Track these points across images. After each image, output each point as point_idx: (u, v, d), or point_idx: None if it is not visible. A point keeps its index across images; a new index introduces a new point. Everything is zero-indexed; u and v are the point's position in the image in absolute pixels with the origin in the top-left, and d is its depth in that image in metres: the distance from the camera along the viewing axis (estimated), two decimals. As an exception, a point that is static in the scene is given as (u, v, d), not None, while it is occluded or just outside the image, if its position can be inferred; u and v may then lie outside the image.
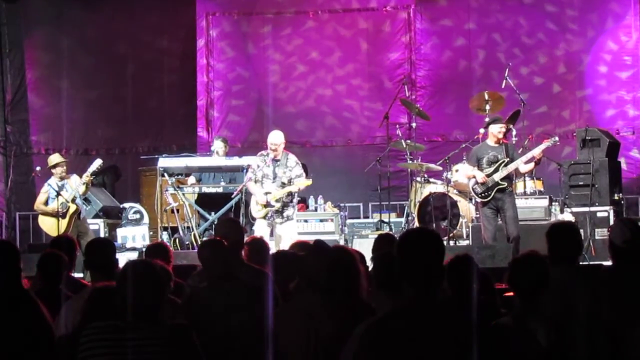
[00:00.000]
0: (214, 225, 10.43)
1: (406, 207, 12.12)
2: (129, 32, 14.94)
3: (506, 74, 11.70)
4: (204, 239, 9.42)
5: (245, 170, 10.36)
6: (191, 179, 11.57)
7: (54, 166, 10.88)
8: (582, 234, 7.79)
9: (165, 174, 11.07)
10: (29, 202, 11.63)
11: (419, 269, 3.26)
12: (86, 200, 11.67)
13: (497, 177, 9.62)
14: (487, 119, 11.15)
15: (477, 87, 13.46)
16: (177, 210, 11.27)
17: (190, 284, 5.67)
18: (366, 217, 13.43)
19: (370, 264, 5.93)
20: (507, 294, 4.67)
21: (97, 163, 10.86)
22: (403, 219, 12.04)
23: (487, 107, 11.27)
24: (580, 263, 5.41)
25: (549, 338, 4.10)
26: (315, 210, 12.21)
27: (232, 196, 10.39)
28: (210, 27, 14.85)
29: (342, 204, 12.67)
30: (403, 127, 13.04)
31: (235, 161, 11.10)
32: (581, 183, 11.54)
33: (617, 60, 13.93)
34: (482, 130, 11.35)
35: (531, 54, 14.15)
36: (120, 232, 12.03)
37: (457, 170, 11.31)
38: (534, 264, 4.31)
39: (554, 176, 12.23)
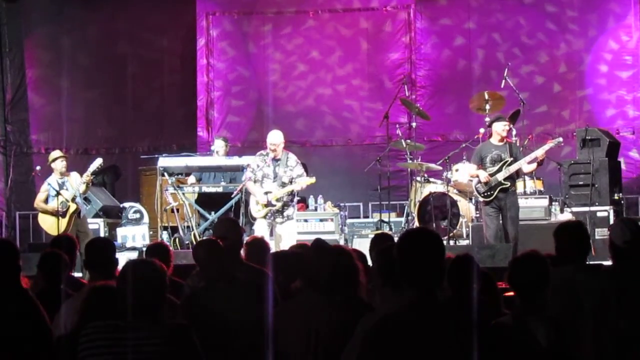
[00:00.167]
0: (213, 225, 10.42)
1: (406, 207, 12.12)
2: (129, 32, 14.94)
3: (506, 74, 11.69)
4: (203, 238, 9.42)
5: (244, 170, 10.35)
6: (191, 179, 11.57)
7: (54, 160, 10.87)
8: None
9: (165, 174, 11.07)
10: (29, 201, 11.64)
11: (419, 269, 3.26)
12: (86, 199, 11.66)
13: (500, 176, 9.63)
14: (487, 119, 11.18)
15: (477, 87, 13.45)
16: (177, 210, 11.28)
17: (189, 284, 5.67)
18: (366, 216, 13.43)
19: (369, 262, 5.93)
20: (507, 294, 4.66)
21: (98, 162, 10.86)
22: (403, 219, 12.04)
23: (487, 106, 11.27)
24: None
25: (549, 337, 4.10)
26: (315, 209, 12.22)
27: (232, 196, 10.39)
28: (210, 27, 14.85)
29: (342, 204, 12.68)
30: (403, 127, 13.05)
31: (235, 161, 11.10)
32: (581, 183, 11.54)
33: (618, 60, 13.92)
34: (482, 130, 11.36)
35: (532, 53, 14.15)
36: (120, 232, 12.04)
37: (457, 170, 11.31)
38: (534, 264, 4.31)
39: (554, 176, 12.22)
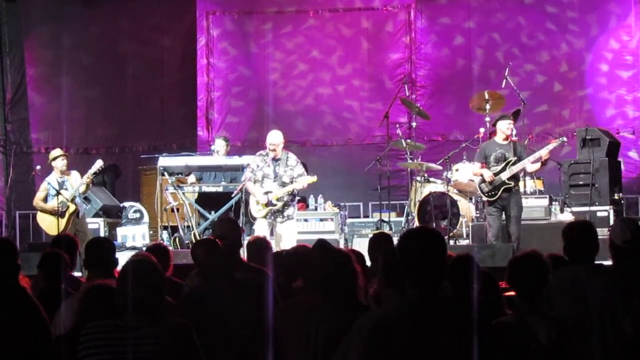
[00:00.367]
0: (213, 225, 10.42)
1: (406, 207, 12.12)
2: (129, 31, 14.95)
3: (506, 74, 11.69)
4: (202, 238, 9.41)
5: (244, 169, 10.34)
6: (191, 178, 11.57)
7: (55, 158, 10.87)
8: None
9: (166, 173, 11.06)
10: (29, 201, 11.64)
11: (420, 268, 3.26)
12: (86, 199, 11.66)
13: (504, 176, 9.63)
14: (487, 118, 11.20)
15: (477, 87, 13.43)
16: (177, 210, 11.27)
17: (188, 284, 5.67)
18: (366, 216, 13.43)
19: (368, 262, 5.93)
20: (507, 293, 4.66)
21: (98, 164, 10.87)
22: (403, 218, 12.03)
23: (487, 106, 11.26)
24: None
25: (550, 337, 4.10)
26: (315, 209, 12.22)
27: (232, 195, 10.38)
28: (210, 26, 14.84)
29: (342, 203, 12.67)
30: (403, 127, 13.06)
31: (235, 160, 11.10)
32: (581, 182, 11.55)
33: (619, 59, 13.91)
34: (482, 130, 11.36)
35: (532, 52, 14.14)
36: (120, 231, 12.04)
37: (457, 170, 11.31)
38: (533, 264, 4.31)
39: (554, 175, 12.23)
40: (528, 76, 13.99)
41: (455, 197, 11.22)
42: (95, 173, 10.94)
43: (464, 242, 10.90)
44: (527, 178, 10.99)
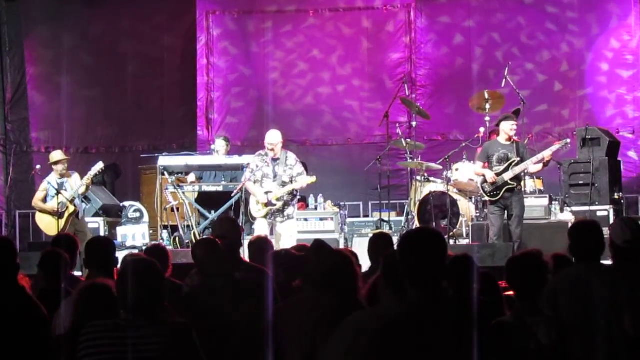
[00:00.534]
0: (212, 224, 10.41)
1: (406, 206, 12.11)
2: (129, 30, 14.95)
3: (506, 73, 11.69)
4: (202, 237, 9.41)
5: (244, 169, 10.34)
6: (191, 177, 11.57)
7: (56, 163, 10.88)
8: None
9: (165, 173, 11.07)
10: (29, 200, 11.64)
11: (421, 268, 3.26)
12: (86, 198, 11.67)
13: (506, 176, 9.64)
14: (487, 118, 11.21)
15: (477, 86, 13.44)
16: (177, 209, 11.27)
17: (188, 283, 5.67)
18: (366, 215, 13.43)
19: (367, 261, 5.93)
20: (507, 293, 4.66)
21: (99, 166, 10.88)
22: (403, 218, 12.03)
23: (487, 106, 11.27)
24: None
25: (550, 337, 4.10)
26: (315, 209, 12.21)
27: (232, 195, 10.38)
28: (210, 26, 14.84)
29: (342, 203, 12.67)
30: (403, 126, 13.07)
31: (235, 160, 11.11)
32: (581, 182, 11.55)
33: (619, 58, 13.91)
34: (482, 129, 11.37)
35: (533, 52, 14.14)
36: (120, 231, 12.03)
37: (457, 169, 11.31)
38: (531, 263, 4.30)
39: (554, 175, 12.22)
40: (528, 75, 13.98)
41: (455, 196, 11.22)
42: (95, 175, 10.96)
43: (463, 241, 10.89)
44: (527, 178, 10.99)
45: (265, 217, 9.65)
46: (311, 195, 12.51)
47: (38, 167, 11.92)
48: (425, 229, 3.61)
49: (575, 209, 11.16)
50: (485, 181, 9.76)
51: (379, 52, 14.58)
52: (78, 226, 10.74)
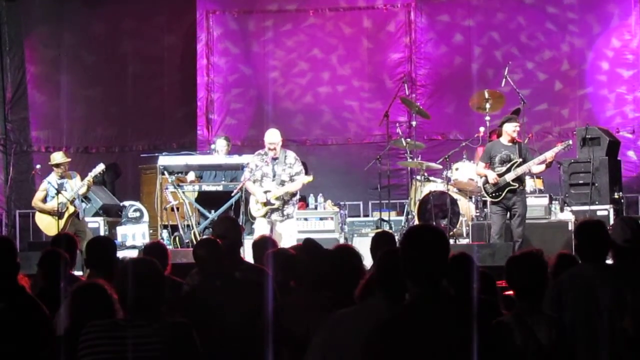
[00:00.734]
0: (213, 224, 10.40)
1: (406, 206, 12.12)
2: (129, 30, 14.95)
3: (505, 73, 11.69)
4: (203, 237, 9.41)
5: (244, 169, 10.34)
6: (190, 175, 11.56)
7: (57, 165, 10.88)
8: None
9: (165, 172, 11.06)
10: (29, 200, 11.65)
11: (424, 266, 3.25)
12: (86, 198, 11.67)
13: (508, 177, 9.66)
14: (487, 118, 11.20)
15: (477, 86, 13.43)
16: (177, 209, 11.27)
17: (188, 283, 5.67)
18: (366, 215, 13.43)
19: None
20: (506, 293, 4.66)
21: (100, 168, 10.90)
22: (403, 218, 12.03)
23: (487, 105, 11.27)
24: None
25: (550, 336, 4.09)
26: (315, 208, 12.21)
27: (232, 195, 10.38)
28: (210, 25, 14.84)
29: (342, 202, 12.67)
30: (403, 126, 13.07)
31: (235, 159, 11.10)
32: (581, 182, 11.54)
33: (620, 58, 13.89)
34: (482, 129, 11.37)
35: (533, 51, 14.13)
36: (120, 230, 12.03)
37: (457, 169, 11.31)
38: (531, 263, 4.30)
39: (554, 175, 12.21)
40: (529, 74, 13.97)
41: (455, 196, 11.22)
42: (96, 176, 10.97)
43: (463, 241, 10.90)
44: (528, 177, 10.99)
45: (264, 216, 9.65)
46: (311, 195, 12.51)
47: (38, 166, 11.92)
48: (427, 225, 3.62)
49: (575, 208, 11.16)
50: (487, 182, 9.78)
51: (379, 52, 14.57)
52: (78, 226, 10.75)
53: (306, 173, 9.87)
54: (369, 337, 3.28)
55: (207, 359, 3.92)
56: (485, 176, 9.79)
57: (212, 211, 10.99)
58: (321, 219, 11.41)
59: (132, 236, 11.91)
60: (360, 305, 3.88)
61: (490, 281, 4.66)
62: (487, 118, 11.24)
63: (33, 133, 14.77)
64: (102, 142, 14.88)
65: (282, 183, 9.62)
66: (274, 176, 9.65)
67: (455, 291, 4.24)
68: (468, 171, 11.09)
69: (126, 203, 12.89)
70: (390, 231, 10.41)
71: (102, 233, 11.54)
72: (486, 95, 11.33)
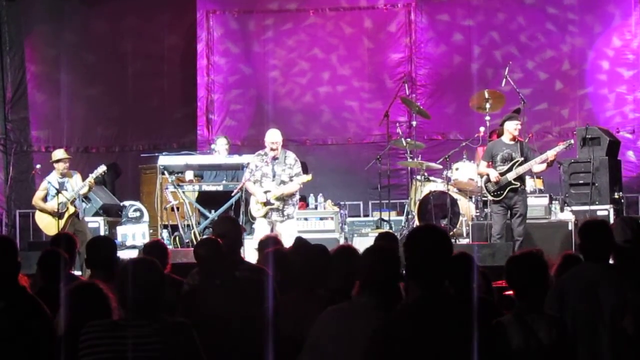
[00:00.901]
0: (213, 223, 10.40)
1: (406, 206, 12.12)
2: (129, 30, 14.95)
3: (506, 72, 11.69)
4: (204, 237, 9.41)
5: (244, 168, 10.34)
6: (189, 174, 11.55)
7: (57, 161, 10.88)
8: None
9: (166, 172, 11.07)
10: (29, 199, 11.65)
11: (429, 267, 3.25)
12: (86, 198, 11.67)
13: (510, 176, 9.67)
14: (487, 117, 11.20)
15: (478, 86, 13.42)
16: (177, 208, 11.27)
17: (189, 282, 5.67)
18: (366, 215, 13.43)
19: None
20: (506, 293, 4.66)
21: (101, 169, 10.90)
22: (403, 217, 12.03)
23: (488, 105, 11.27)
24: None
25: (551, 336, 4.09)
26: (315, 208, 12.20)
27: (232, 194, 10.39)
28: (211, 25, 14.84)
29: (342, 202, 12.66)
30: (403, 125, 13.07)
31: (235, 159, 11.11)
32: (581, 182, 11.54)
33: (620, 57, 13.89)
34: (482, 129, 11.37)
35: (534, 51, 14.12)
36: (120, 230, 12.02)
37: (457, 169, 11.31)
38: (530, 263, 4.30)
39: (554, 174, 12.21)
40: (529, 74, 13.97)
41: (455, 196, 11.22)
42: (97, 177, 10.97)
43: (464, 240, 10.89)
44: (528, 177, 10.99)
45: (264, 216, 9.65)
46: (311, 195, 12.51)
47: (38, 166, 11.92)
48: (430, 226, 3.62)
49: (575, 208, 11.15)
50: (488, 180, 9.79)
51: (379, 52, 14.57)
52: (78, 226, 10.74)
53: (305, 173, 9.88)
54: (372, 336, 3.28)
55: (207, 358, 3.92)
56: (487, 175, 9.80)
57: (212, 211, 10.99)
58: (321, 219, 11.41)
59: (132, 236, 11.90)
60: (349, 303, 3.90)
61: (487, 280, 4.66)
62: (487, 118, 11.24)
63: (33, 133, 14.77)
64: (102, 142, 14.88)
65: (282, 183, 9.63)
66: (274, 176, 9.66)
67: (455, 290, 4.25)
68: (468, 171, 11.09)
69: (126, 203, 12.88)
70: (393, 232, 10.43)
71: (102, 233, 11.54)
72: (486, 95, 11.33)
